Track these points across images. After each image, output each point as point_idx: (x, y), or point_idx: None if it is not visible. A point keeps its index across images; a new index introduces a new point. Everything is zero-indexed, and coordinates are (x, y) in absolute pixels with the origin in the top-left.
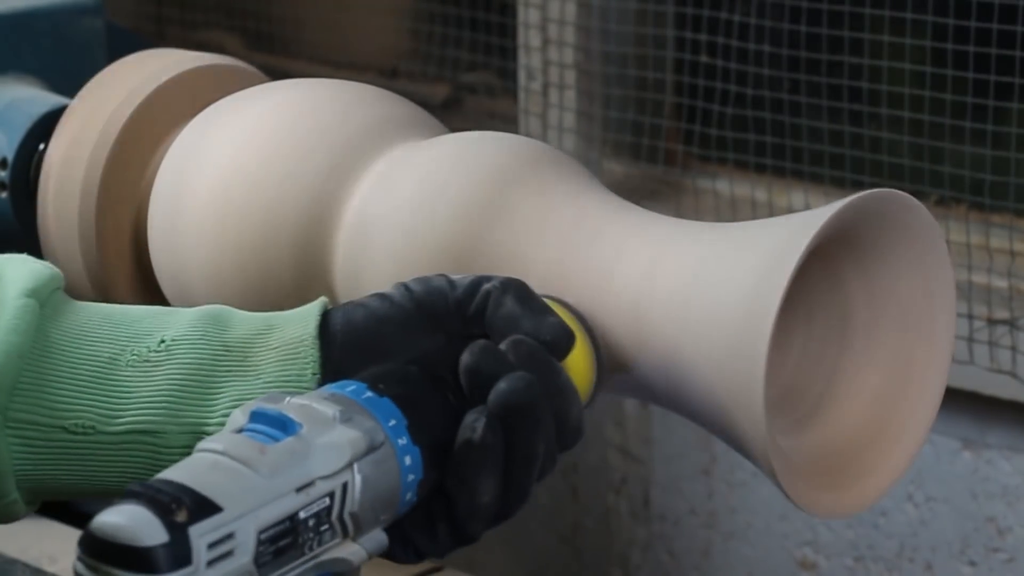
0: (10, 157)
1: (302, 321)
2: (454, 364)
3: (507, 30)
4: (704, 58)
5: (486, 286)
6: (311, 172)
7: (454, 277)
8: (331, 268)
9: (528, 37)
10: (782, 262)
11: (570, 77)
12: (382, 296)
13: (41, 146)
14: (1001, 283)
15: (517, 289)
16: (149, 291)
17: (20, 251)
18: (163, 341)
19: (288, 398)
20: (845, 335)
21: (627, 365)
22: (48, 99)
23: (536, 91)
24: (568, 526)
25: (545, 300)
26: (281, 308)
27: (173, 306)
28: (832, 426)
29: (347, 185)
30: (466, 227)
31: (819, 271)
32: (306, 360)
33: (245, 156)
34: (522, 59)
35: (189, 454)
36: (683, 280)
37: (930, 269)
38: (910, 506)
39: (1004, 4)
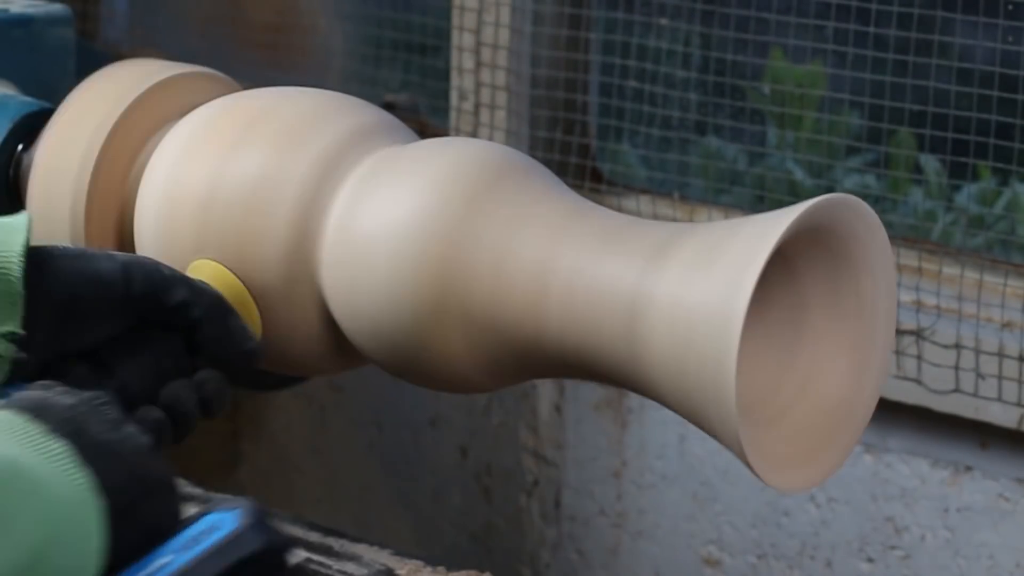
0: None
1: (6, 236)
2: (124, 353)
3: (440, 53)
4: (632, 83)
5: (195, 311)
6: (295, 176)
7: (167, 276)
8: (318, 269)
9: (462, 60)
10: (750, 265)
11: (501, 98)
12: (108, 262)
13: (20, 147)
14: (908, 297)
15: (221, 308)
16: None
17: None
18: None
19: None
20: (805, 331)
21: (603, 360)
22: (26, 101)
23: (468, 111)
24: (480, 526)
25: (208, 264)
26: (267, 307)
27: None
28: (804, 415)
29: (330, 189)
30: (448, 228)
31: (780, 272)
32: (13, 280)
33: (231, 161)
34: (455, 80)
35: None
36: (652, 279)
37: (877, 264)
38: (812, 506)
39: (899, 39)
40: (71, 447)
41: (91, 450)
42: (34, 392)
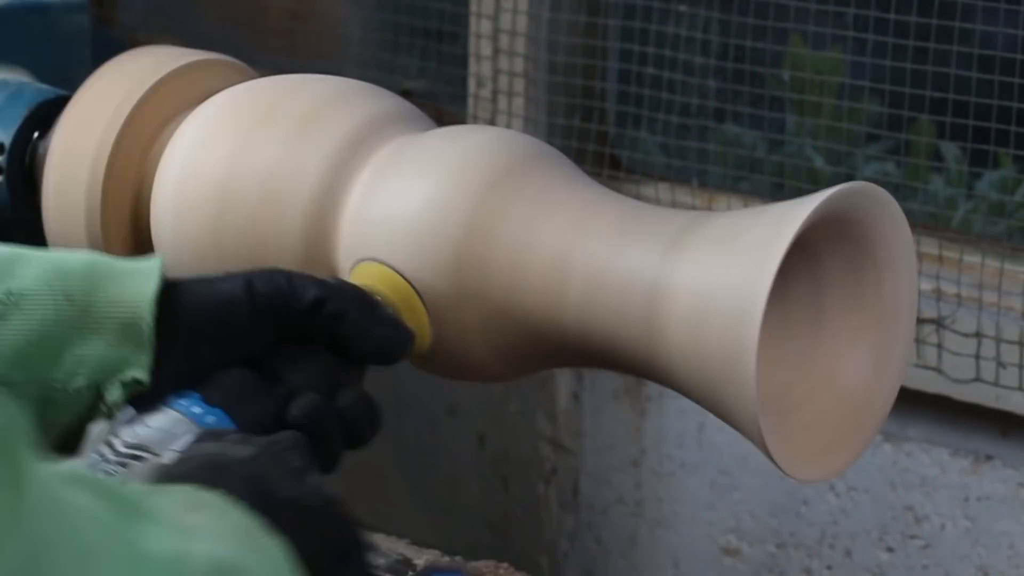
0: (7, 144)
1: (139, 284)
2: (286, 359)
3: (457, 39)
4: (651, 69)
5: (330, 307)
6: (312, 164)
7: (294, 279)
8: (334, 257)
9: (479, 46)
10: (770, 252)
11: (518, 85)
12: (230, 282)
13: (36, 134)
14: (928, 286)
15: (361, 301)
16: None
17: (13, 235)
18: (10, 292)
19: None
20: (824, 320)
21: (624, 350)
22: (42, 89)
23: (485, 98)
24: (498, 515)
25: (373, 265)
26: None
27: None
28: (824, 406)
29: (347, 177)
30: (466, 217)
31: (800, 263)
32: (143, 328)
33: (248, 148)
34: (472, 67)
35: (39, 402)
36: (671, 268)
37: (898, 253)
38: (831, 495)
39: (919, 26)
40: (256, 511)
41: (279, 512)
42: (207, 446)
